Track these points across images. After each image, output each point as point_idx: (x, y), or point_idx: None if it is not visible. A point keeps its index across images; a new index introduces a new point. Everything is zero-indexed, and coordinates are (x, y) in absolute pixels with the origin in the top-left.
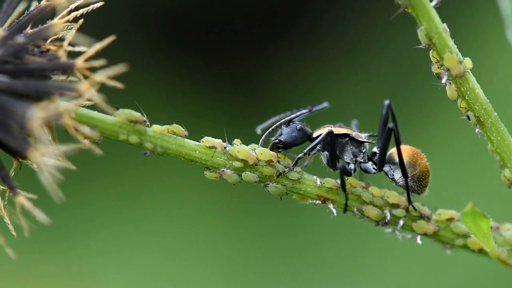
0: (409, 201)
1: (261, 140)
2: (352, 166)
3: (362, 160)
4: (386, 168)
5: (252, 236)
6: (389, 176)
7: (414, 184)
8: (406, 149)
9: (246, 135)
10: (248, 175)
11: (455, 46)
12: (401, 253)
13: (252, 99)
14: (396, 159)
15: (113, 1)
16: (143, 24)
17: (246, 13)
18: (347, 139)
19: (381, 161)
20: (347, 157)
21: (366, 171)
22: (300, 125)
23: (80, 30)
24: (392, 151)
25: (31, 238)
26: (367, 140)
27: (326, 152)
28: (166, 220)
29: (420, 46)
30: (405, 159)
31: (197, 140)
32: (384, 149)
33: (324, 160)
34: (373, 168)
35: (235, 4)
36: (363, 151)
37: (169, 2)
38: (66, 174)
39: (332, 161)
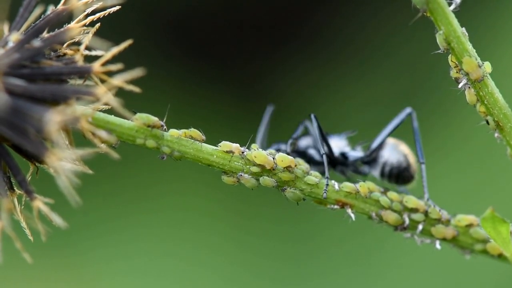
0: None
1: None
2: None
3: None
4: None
5: (261, 241)
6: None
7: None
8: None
9: (254, 140)
10: (266, 180)
11: (474, 50)
12: (412, 258)
13: (260, 103)
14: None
15: (123, 7)
16: (153, 29)
17: (254, 18)
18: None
19: (376, 149)
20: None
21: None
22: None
23: (93, 34)
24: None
25: (39, 244)
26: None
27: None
28: (175, 225)
29: (439, 51)
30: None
31: (210, 145)
32: (387, 135)
33: (317, 156)
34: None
35: (244, 10)
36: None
37: (179, 8)
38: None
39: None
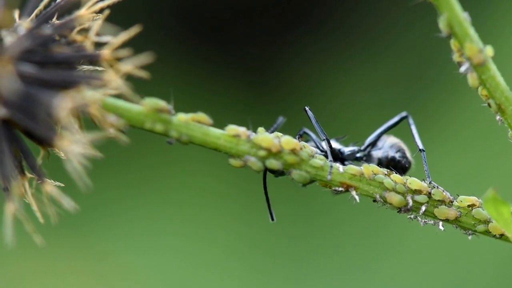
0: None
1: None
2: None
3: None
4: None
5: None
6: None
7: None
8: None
9: (261, 123)
10: (273, 163)
11: (476, 35)
12: (417, 236)
13: (268, 87)
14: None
15: None
16: (162, 14)
17: (263, 2)
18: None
19: (373, 142)
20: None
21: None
22: None
23: (102, 20)
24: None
25: (51, 224)
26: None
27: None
28: (185, 204)
29: (441, 35)
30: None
31: (218, 128)
32: (381, 133)
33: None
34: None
35: None
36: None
37: None
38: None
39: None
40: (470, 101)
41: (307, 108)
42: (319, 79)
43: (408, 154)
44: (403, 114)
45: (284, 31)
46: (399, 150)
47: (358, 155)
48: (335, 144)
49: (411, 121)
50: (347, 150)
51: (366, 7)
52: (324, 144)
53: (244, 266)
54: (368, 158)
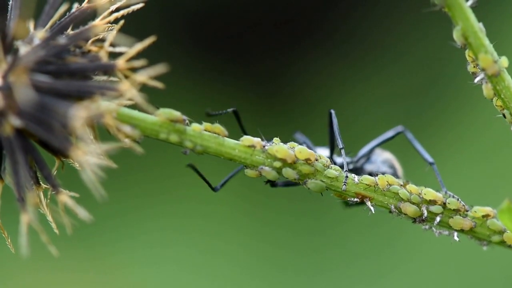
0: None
1: None
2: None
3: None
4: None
5: (279, 232)
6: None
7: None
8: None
9: (272, 133)
10: (288, 171)
11: (491, 45)
12: (431, 247)
13: (278, 98)
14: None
15: (144, 4)
16: (174, 26)
17: (273, 15)
18: None
19: (366, 155)
20: None
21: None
22: None
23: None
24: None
25: (65, 235)
26: None
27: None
28: (194, 216)
29: (455, 45)
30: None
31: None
32: (374, 146)
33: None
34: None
35: (262, 7)
36: None
37: (199, 6)
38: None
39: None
40: (483, 110)
41: (332, 112)
42: (329, 90)
43: (400, 173)
44: (399, 129)
45: (295, 43)
46: (391, 167)
47: (350, 166)
48: (325, 152)
49: (410, 136)
50: (339, 160)
51: (376, 19)
52: (321, 150)
53: (255, 279)
54: (359, 170)
